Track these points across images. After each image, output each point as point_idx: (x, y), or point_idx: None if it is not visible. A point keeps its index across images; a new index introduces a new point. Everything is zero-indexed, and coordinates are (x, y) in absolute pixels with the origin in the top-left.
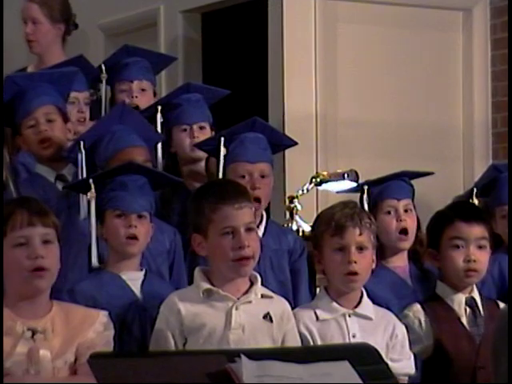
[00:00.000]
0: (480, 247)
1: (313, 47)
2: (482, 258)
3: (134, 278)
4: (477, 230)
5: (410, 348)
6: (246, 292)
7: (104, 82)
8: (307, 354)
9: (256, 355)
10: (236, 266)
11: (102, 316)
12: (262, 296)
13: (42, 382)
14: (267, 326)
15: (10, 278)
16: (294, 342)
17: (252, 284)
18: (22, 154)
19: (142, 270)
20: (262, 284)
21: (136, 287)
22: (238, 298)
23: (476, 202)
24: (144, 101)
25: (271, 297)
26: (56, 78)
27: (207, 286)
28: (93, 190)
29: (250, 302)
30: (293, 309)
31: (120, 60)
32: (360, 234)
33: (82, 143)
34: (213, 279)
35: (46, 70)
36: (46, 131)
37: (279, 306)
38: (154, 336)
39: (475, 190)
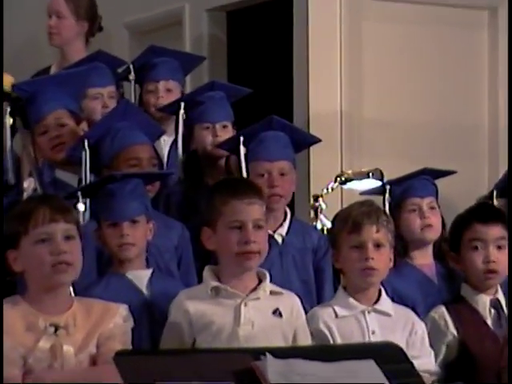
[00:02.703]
0: (499, 247)
1: (338, 46)
2: (502, 258)
3: (139, 277)
4: (495, 231)
5: (432, 347)
6: (255, 289)
7: (132, 82)
8: (332, 352)
9: (281, 354)
10: (240, 259)
11: (122, 309)
12: (271, 292)
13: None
14: (277, 321)
15: (32, 273)
16: (305, 338)
17: (260, 281)
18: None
19: (149, 268)
20: (284, 283)
21: (142, 285)
22: (247, 295)
23: (496, 203)
24: (170, 101)
25: (281, 293)
26: (65, 80)
27: (215, 283)
28: (81, 202)
29: (259, 298)
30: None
31: (148, 60)
32: (377, 232)
33: (85, 141)
34: (221, 276)
35: (52, 74)
36: (58, 137)
37: (289, 301)
38: (164, 336)
39: (495, 191)
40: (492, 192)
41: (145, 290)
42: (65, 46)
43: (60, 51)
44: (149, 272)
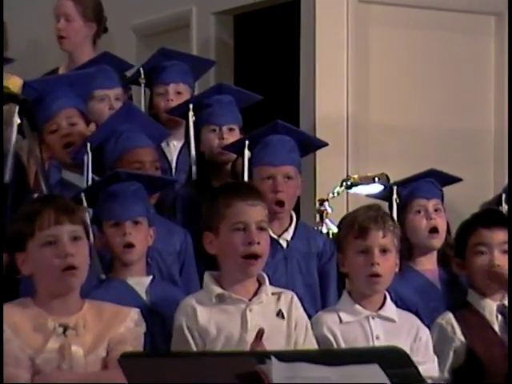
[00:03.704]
0: (504, 252)
1: (345, 50)
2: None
3: (139, 283)
4: (499, 235)
5: (439, 352)
6: (256, 293)
7: (143, 85)
8: (337, 356)
9: (285, 357)
10: (244, 264)
11: (134, 313)
12: (273, 294)
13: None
14: (281, 323)
15: (40, 277)
16: (304, 323)
17: (260, 284)
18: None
19: (149, 275)
20: (289, 287)
21: (142, 291)
22: (250, 300)
23: (505, 207)
24: None
25: (281, 292)
26: (74, 81)
27: (219, 290)
28: (84, 203)
29: (262, 302)
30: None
31: (158, 63)
32: (383, 237)
33: (88, 145)
34: (222, 282)
35: (61, 74)
36: (69, 135)
37: (286, 298)
38: (174, 341)
39: (504, 195)
40: (500, 196)
41: (144, 296)
42: (75, 49)
43: (68, 54)
44: (149, 279)
